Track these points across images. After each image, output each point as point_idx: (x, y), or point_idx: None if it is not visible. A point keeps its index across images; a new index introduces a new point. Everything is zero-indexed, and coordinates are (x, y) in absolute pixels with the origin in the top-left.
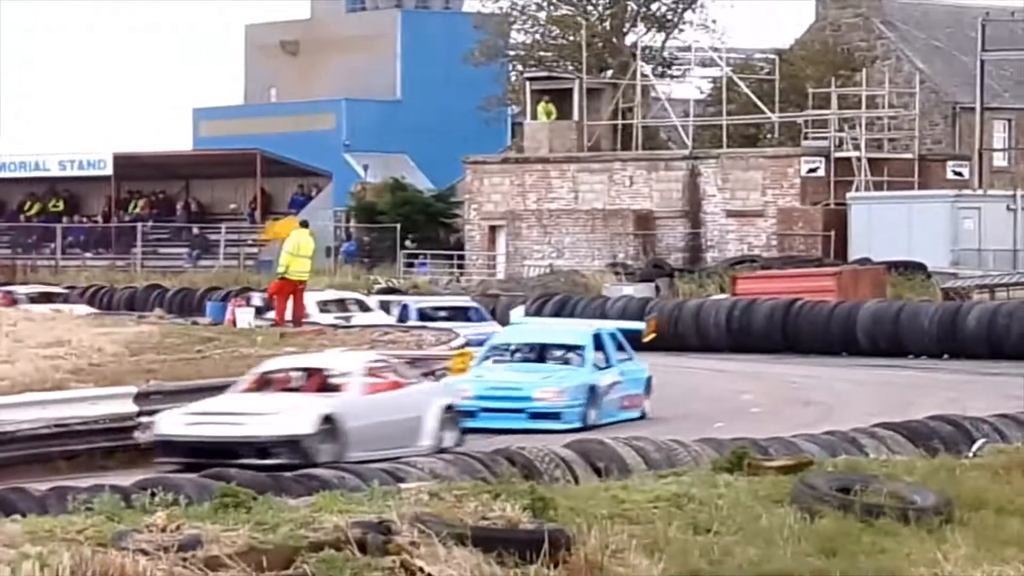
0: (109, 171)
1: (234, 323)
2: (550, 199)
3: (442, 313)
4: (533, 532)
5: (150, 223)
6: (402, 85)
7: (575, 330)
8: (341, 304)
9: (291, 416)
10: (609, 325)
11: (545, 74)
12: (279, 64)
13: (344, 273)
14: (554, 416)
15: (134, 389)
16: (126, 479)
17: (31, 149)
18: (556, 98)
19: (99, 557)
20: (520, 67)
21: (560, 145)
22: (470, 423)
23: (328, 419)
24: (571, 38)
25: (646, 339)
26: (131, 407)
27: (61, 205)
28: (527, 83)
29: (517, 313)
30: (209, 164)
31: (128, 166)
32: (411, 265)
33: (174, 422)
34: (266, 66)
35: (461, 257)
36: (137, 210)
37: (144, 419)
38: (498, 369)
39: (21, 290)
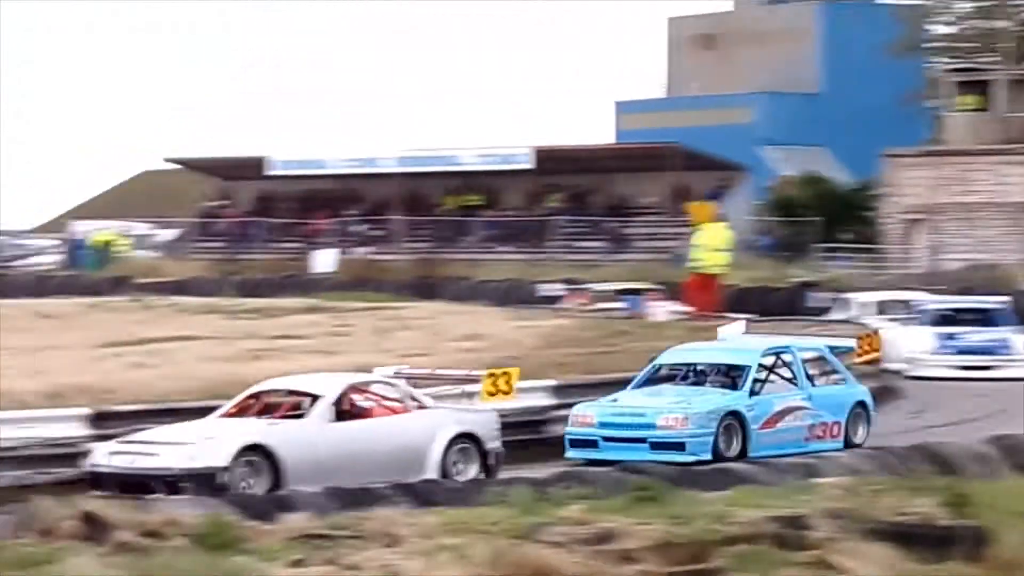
0: (527, 165)
1: (650, 316)
2: (970, 192)
3: (962, 315)
4: (951, 528)
5: (566, 217)
6: (821, 78)
7: (742, 348)
8: (897, 305)
9: (205, 447)
10: (807, 342)
11: (966, 66)
12: (699, 57)
13: (760, 267)
14: (677, 447)
15: (552, 382)
16: (540, 472)
17: (449, 143)
18: (977, 90)
19: (514, 549)
20: (941, 59)
21: (981, 137)
22: (593, 454)
23: (257, 449)
24: (994, 29)
25: (860, 359)
26: (547, 400)
27: (478, 199)
28: (948, 75)
29: (729, 329)
30: (628, 157)
31: (549, 160)
32: (829, 259)
33: (102, 451)
34: (687, 59)
35: (879, 251)
36: (554, 204)
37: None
38: (635, 394)
39: (598, 287)
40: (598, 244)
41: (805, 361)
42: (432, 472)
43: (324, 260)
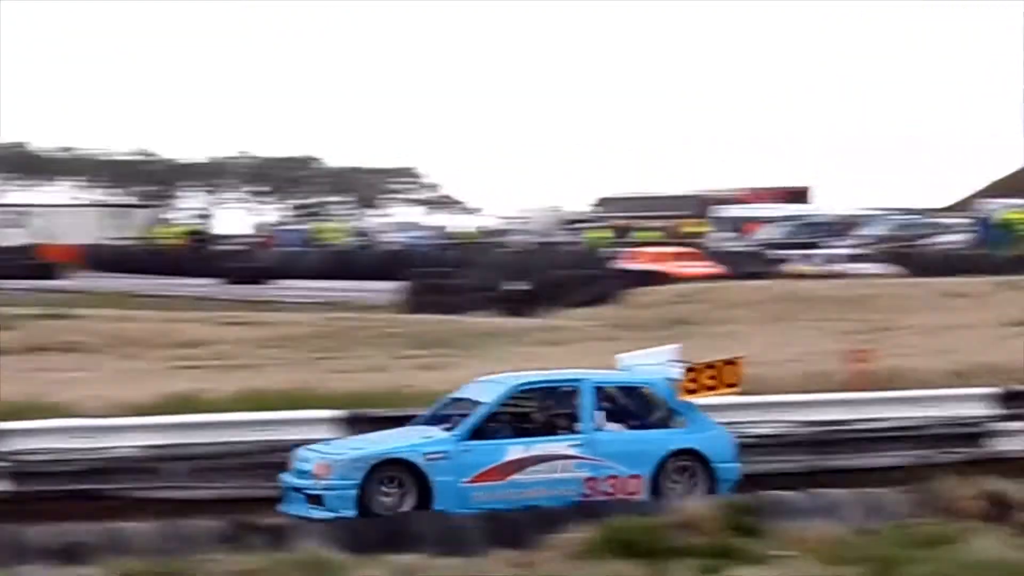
0: None
1: None
2: None
3: None
4: None
5: None
6: None
7: (496, 381)
8: None
9: None
10: (627, 375)
11: None
12: None
13: None
14: (319, 501)
15: None
16: None
17: None
18: None
19: None
20: None
21: None
22: (284, 507)
23: None
24: None
25: (693, 395)
26: None
27: None
28: None
29: (636, 356)
30: None
31: None
32: None
33: None
34: None
35: None
36: None
37: None
38: (363, 436)
39: None
40: None
41: (607, 399)
42: None
43: None
